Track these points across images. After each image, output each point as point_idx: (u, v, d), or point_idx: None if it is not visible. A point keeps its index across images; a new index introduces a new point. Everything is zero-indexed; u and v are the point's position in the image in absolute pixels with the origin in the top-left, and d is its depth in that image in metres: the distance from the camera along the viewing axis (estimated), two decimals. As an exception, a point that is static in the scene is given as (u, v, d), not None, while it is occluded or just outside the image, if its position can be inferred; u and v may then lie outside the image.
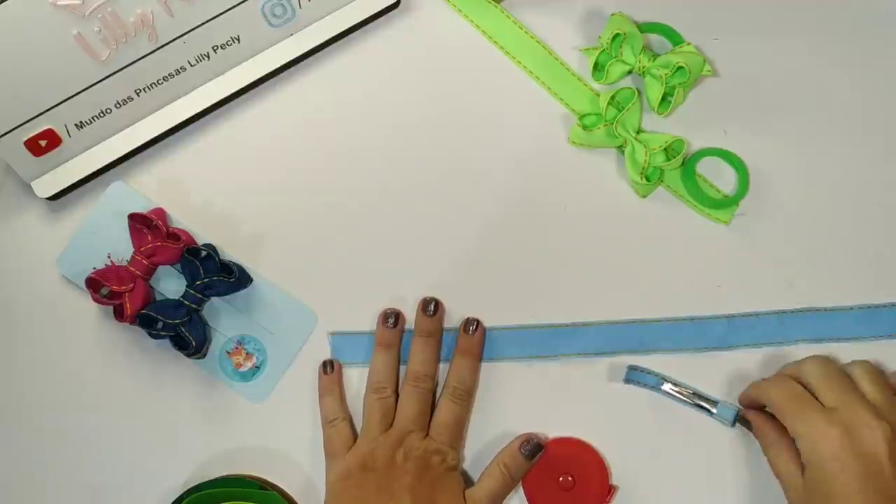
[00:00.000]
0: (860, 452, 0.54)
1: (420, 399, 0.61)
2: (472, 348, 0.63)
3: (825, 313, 0.64)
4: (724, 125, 0.66)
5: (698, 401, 0.62)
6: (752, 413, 0.61)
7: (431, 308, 0.63)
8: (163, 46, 0.62)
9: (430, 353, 0.63)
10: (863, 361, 0.59)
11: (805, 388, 0.58)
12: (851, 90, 0.66)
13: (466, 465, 0.63)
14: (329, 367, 0.64)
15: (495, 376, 0.64)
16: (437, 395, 0.63)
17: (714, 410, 0.62)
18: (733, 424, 0.62)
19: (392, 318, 0.63)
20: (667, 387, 0.62)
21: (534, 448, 0.61)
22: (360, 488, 0.59)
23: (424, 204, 0.65)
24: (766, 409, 0.60)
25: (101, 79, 0.62)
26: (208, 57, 0.64)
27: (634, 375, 0.63)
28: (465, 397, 0.62)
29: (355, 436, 0.62)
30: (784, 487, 0.58)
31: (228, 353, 0.64)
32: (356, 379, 0.64)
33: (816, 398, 0.57)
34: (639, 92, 0.64)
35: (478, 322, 0.63)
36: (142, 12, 0.60)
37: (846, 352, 0.63)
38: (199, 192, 0.66)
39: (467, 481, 0.62)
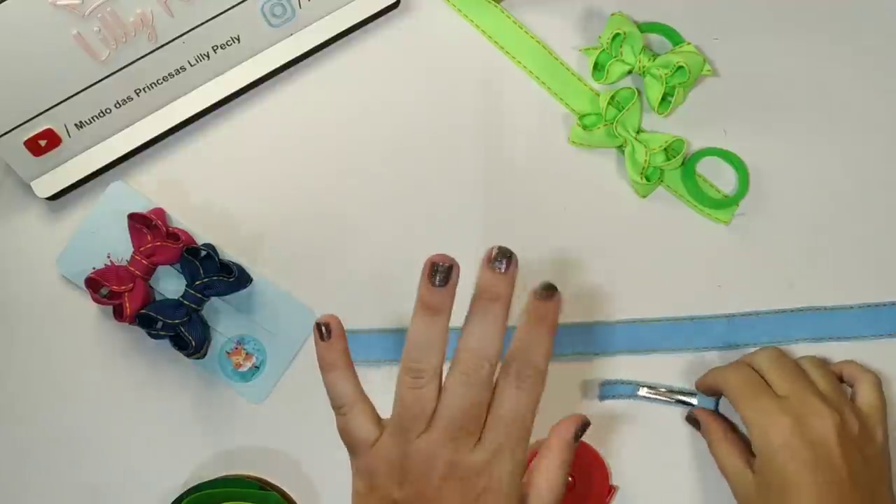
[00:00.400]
0: (810, 440, 0.54)
1: (473, 393, 0.45)
2: (547, 315, 0.46)
3: (825, 312, 0.64)
4: (724, 125, 0.66)
5: (677, 397, 0.62)
6: (699, 410, 0.61)
7: (503, 263, 0.45)
8: (162, 46, 0.62)
9: (494, 326, 0.46)
10: (811, 356, 0.60)
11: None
12: (852, 90, 0.66)
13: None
14: (325, 330, 0.48)
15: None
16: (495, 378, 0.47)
17: (695, 402, 0.62)
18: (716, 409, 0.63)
19: (443, 272, 0.45)
20: (643, 391, 0.63)
21: (584, 428, 0.48)
22: None
23: (423, 204, 0.65)
24: (718, 403, 0.62)
25: (100, 79, 0.61)
26: (208, 57, 0.64)
27: (609, 391, 0.63)
28: (537, 381, 0.46)
29: (377, 418, 0.49)
30: (732, 484, 0.58)
31: (228, 353, 0.64)
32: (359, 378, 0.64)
33: (770, 387, 0.57)
34: (639, 92, 0.64)
35: (555, 289, 0.46)
36: (141, 12, 0.60)
37: (847, 351, 0.63)
38: (199, 192, 0.66)
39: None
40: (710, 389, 0.61)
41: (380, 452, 0.47)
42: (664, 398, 0.63)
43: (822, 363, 0.60)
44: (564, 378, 0.64)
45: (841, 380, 0.61)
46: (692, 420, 0.62)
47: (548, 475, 0.47)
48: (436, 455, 0.45)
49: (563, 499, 0.54)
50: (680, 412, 0.63)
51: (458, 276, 0.46)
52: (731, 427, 0.60)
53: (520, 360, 0.46)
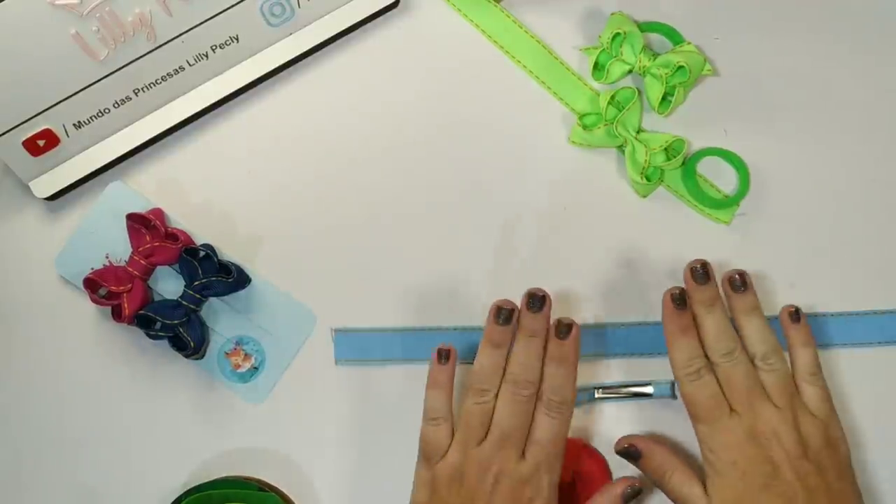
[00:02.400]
0: (761, 456, 0.55)
1: (519, 409, 0.56)
2: (567, 355, 0.57)
3: (829, 318, 0.63)
4: (724, 125, 0.66)
5: (633, 390, 0.62)
6: (637, 439, 0.59)
7: (537, 304, 0.57)
8: (161, 46, 0.62)
9: (533, 355, 0.57)
10: (776, 360, 0.57)
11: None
12: (852, 89, 0.66)
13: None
14: (444, 356, 0.57)
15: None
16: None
17: (651, 391, 0.62)
18: (674, 397, 0.62)
19: (505, 313, 0.57)
20: (599, 393, 0.63)
21: (634, 494, 0.57)
22: None
23: (423, 204, 0.65)
24: (674, 388, 0.61)
25: (99, 78, 0.61)
26: (207, 56, 0.63)
27: None
28: (564, 410, 0.56)
29: (452, 439, 0.57)
30: None
31: (227, 353, 0.64)
32: (358, 379, 0.64)
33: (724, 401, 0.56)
34: (639, 91, 0.64)
35: (572, 324, 0.57)
36: (140, 12, 0.60)
37: (849, 357, 0.63)
38: (198, 192, 0.66)
39: None
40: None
41: (447, 460, 0.56)
42: (620, 395, 0.63)
43: (787, 375, 0.57)
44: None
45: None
46: (626, 452, 0.58)
47: None
48: (490, 460, 0.55)
49: (559, 498, 0.59)
50: (681, 412, 0.63)
51: (517, 317, 0.57)
52: (673, 454, 0.58)
53: (549, 393, 0.56)
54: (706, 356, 0.57)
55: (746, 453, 0.55)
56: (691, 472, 0.57)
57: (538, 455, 0.56)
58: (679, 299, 0.57)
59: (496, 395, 0.56)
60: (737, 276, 0.58)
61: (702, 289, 0.57)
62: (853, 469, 0.57)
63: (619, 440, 0.59)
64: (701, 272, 0.57)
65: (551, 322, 0.57)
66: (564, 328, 0.57)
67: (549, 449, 0.56)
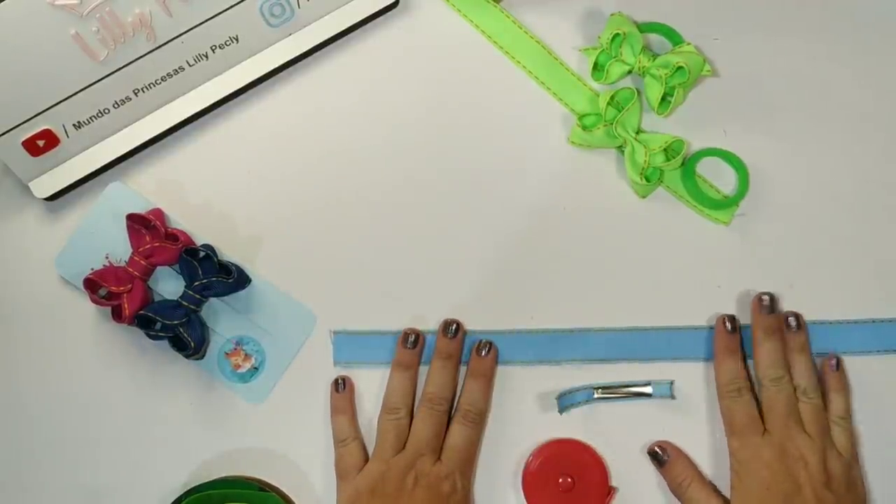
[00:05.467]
0: (787, 477, 0.58)
1: (434, 422, 0.61)
2: (484, 370, 0.62)
3: (830, 326, 0.64)
4: (724, 125, 0.66)
5: (633, 390, 0.63)
6: (667, 445, 0.62)
7: (452, 329, 0.62)
8: (161, 46, 0.62)
9: (448, 376, 0.62)
10: (812, 396, 0.61)
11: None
12: (852, 90, 0.66)
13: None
14: (341, 384, 0.63)
15: (496, 379, 0.64)
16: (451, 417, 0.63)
17: (650, 391, 0.62)
18: (673, 397, 0.63)
19: (412, 339, 0.62)
20: (598, 394, 0.63)
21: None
22: None
23: (422, 204, 0.65)
24: (672, 388, 0.63)
25: (99, 79, 0.61)
26: (207, 57, 0.63)
27: (566, 401, 0.63)
28: (478, 420, 0.61)
29: (366, 456, 0.62)
30: None
31: (227, 353, 0.64)
32: (357, 380, 0.64)
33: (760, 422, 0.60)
34: (638, 92, 0.64)
35: (490, 344, 0.63)
36: (140, 12, 0.60)
37: (854, 365, 0.63)
38: (198, 192, 0.66)
39: None
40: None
41: (366, 472, 0.60)
42: (619, 395, 0.63)
43: (819, 409, 0.60)
44: (565, 380, 0.64)
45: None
46: (654, 454, 0.62)
47: None
48: (409, 466, 0.60)
49: (559, 499, 0.62)
50: (684, 413, 0.63)
51: (423, 343, 0.63)
52: (695, 467, 0.62)
53: (467, 405, 0.62)
54: (750, 379, 0.62)
55: (774, 469, 0.58)
56: (711, 487, 0.61)
57: (454, 458, 0.60)
58: (731, 324, 0.62)
59: (408, 413, 0.62)
60: (792, 318, 0.62)
61: (767, 317, 0.62)
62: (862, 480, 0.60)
63: (654, 443, 0.62)
64: (769, 304, 0.62)
65: (472, 345, 0.63)
66: (485, 346, 0.63)
67: (463, 455, 0.61)
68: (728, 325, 0.62)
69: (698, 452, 0.63)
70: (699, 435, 0.63)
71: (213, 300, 0.64)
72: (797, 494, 0.57)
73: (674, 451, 0.62)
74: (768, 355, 0.61)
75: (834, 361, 0.62)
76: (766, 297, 0.62)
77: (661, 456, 0.62)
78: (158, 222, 0.62)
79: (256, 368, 0.64)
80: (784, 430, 0.59)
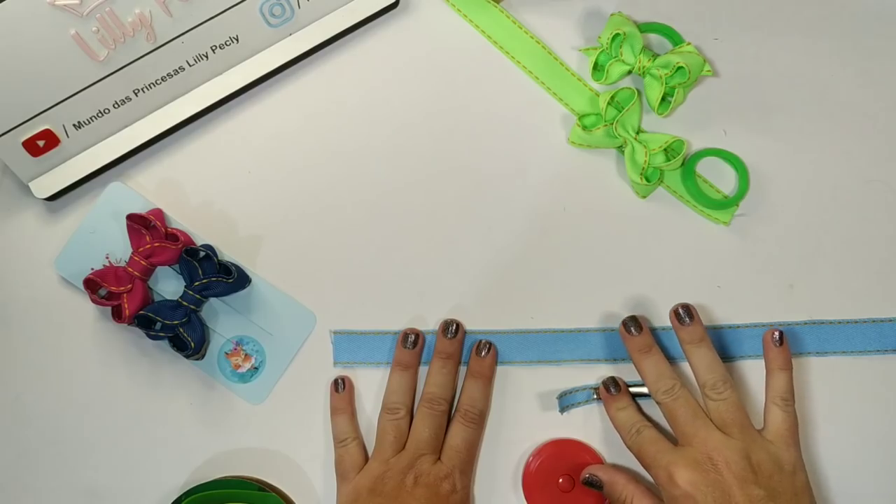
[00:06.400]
0: (711, 484, 0.56)
1: (434, 422, 0.61)
2: (484, 371, 0.62)
3: (830, 326, 0.64)
4: (724, 125, 0.66)
5: (631, 390, 0.62)
6: (599, 468, 0.61)
7: (452, 330, 0.63)
8: (161, 46, 0.62)
9: (448, 376, 0.62)
10: (723, 389, 0.59)
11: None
12: (852, 89, 0.66)
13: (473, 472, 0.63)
14: (341, 384, 0.63)
15: (496, 379, 0.64)
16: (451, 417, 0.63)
17: (645, 391, 0.62)
18: None
19: (411, 339, 0.63)
20: (598, 395, 0.63)
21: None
22: None
23: (422, 204, 0.65)
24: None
25: (99, 79, 0.61)
26: (207, 57, 0.63)
27: (566, 401, 0.63)
28: (478, 420, 0.62)
29: (366, 456, 0.62)
30: None
31: (227, 353, 0.64)
32: (357, 380, 0.64)
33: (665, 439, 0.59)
34: (638, 92, 0.64)
35: (490, 344, 0.63)
36: (140, 12, 0.60)
37: (849, 365, 0.63)
38: (198, 192, 0.66)
39: None
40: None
41: (366, 472, 0.60)
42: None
43: (734, 401, 0.59)
44: (565, 380, 0.64)
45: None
46: (589, 481, 0.61)
47: None
48: (409, 465, 0.59)
49: (558, 499, 0.62)
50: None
51: (423, 343, 0.63)
52: (634, 479, 0.60)
53: (467, 405, 0.62)
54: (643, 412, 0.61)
55: (695, 481, 0.56)
56: (653, 498, 0.58)
57: (454, 458, 0.60)
58: (613, 383, 0.61)
59: (408, 413, 0.62)
60: (681, 309, 0.61)
61: (635, 339, 0.61)
62: (811, 493, 0.57)
63: (583, 471, 0.61)
64: (632, 325, 0.61)
65: (473, 345, 0.63)
66: (484, 347, 0.63)
67: (463, 455, 0.61)
68: (608, 386, 0.61)
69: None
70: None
71: (213, 300, 0.64)
72: (727, 502, 0.55)
73: (606, 473, 0.60)
74: (650, 372, 0.60)
75: (777, 334, 0.60)
76: (628, 321, 0.61)
77: (595, 481, 0.60)
78: (158, 222, 0.62)
79: (256, 368, 0.64)
80: (694, 437, 0.57)
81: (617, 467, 0.62)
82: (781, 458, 0.57)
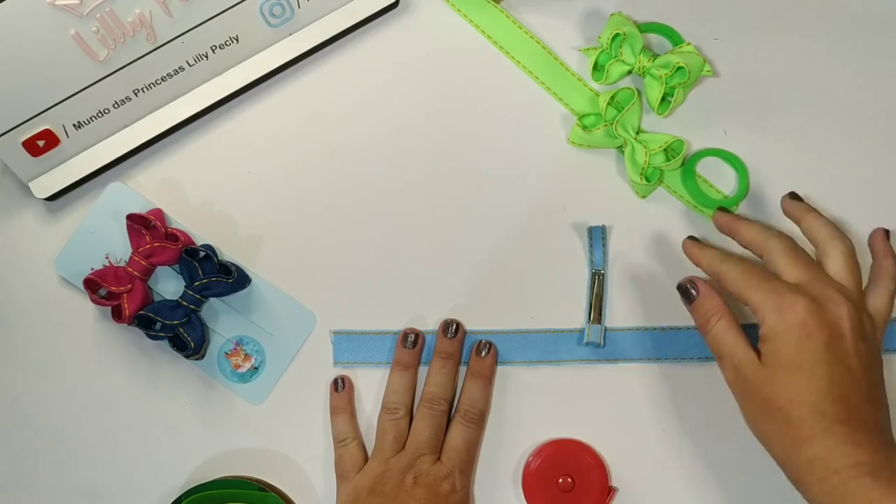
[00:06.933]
0: (826, 321, 0.53)
1: (434, 422, 0.61)
2: (484, 371, 0.62)
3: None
4: (724, 125, 0.66)
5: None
6: (697, 279, 0.58)
7: (452, 330, 0.63)
8: (161, 46, 0.62)
9: (448, 376, 0.62)
10: (839, 242, 0.57)
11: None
12: (852, 89, 0.66)
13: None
14: (341, 384, 0.63)
15: (496, 379, 0.64)
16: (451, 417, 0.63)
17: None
18: (600, 344, 0.63)
19: (411, 339, 0.63)
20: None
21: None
22: None
23: (422, 204, 0.65)
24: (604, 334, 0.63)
25: (99, 79, 0.61)
26: (207, 57, 0.63)
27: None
28: (478, 420, 0.62)
29: (366, 456, 0.62)
30: (735, 369, 0.55)
31: (227, 353, 0.64)
32: (357, 380, 0.64)
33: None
34: (638, 92, 0.64)
35: (490, 344, 0.63)
36: (140, 12, 0.60)
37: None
38: (198, 192, 0.66)
39: None
40: (709, 273, 0.59)
41: (366, 471, 0.61)
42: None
43: (849, 255, 0.57)
44: (565, 381, 0.64)
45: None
46: (683, 289, 0.58)
47: None
48: (409, 465, 0.60)
49: (558, 499, 0.62)
50: (684, 414, 0.63)
51: (423, 342, 0.63)
52: (727, 306, 0.57)
53: (467, 405, 0.62)
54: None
55: (809, 315, 0.53)
56: (740, 327, 0.56)
57: (454, 458, 0.60)
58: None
59: (408, 412, 0.62)
60: (687, 284, 0.59)
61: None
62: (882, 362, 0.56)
63: (685, 278, 0.58)
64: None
65: (472, 345, 0.63)
66: (484, 347, 0.63)
67: (463, 455, 0.61)
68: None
69: (699, 452, 0.63)
70: (700, 435, 0.63)
71: (213, 300, 0.64)
72: (841, 340, 0.53)
73: (705, 287, 0.57)
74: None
75: (883, 233, 0.59)
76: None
77: (690, 292, 0.58)
78: (158, 222, 0.62)
79: (256, 368, 0.64)
80: (816, 279, 0.54)
81: (710, 286, 0.58)
82: (877, 331, 0.56)
